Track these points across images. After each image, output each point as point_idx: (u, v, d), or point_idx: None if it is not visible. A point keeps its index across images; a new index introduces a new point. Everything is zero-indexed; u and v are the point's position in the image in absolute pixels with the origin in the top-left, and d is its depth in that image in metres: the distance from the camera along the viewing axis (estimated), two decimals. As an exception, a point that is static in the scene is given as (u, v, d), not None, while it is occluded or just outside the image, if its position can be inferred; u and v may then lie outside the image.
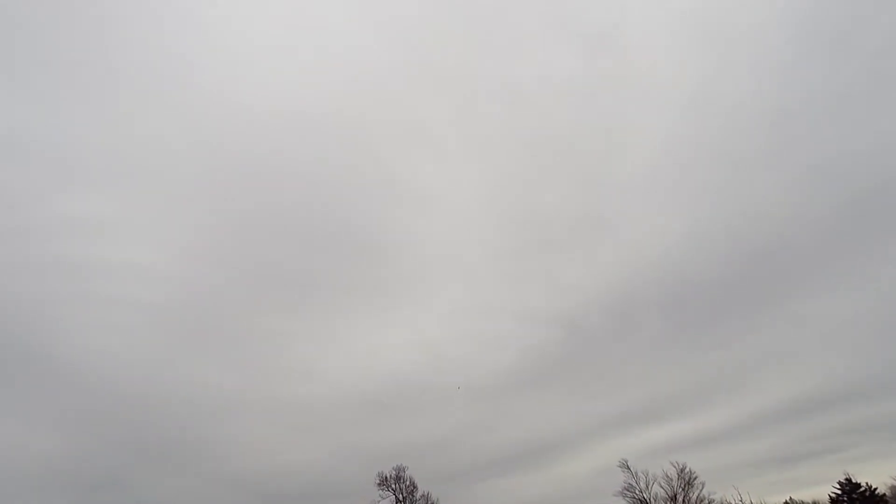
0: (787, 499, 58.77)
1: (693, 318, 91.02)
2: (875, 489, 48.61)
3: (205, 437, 78.37)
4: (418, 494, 50.68)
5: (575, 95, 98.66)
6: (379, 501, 50.15)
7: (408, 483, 50.89)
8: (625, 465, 52.43)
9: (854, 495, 48.77)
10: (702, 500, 48.97)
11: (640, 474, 51.70)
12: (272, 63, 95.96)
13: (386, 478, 51.41)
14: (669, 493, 50.02)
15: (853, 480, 49.45)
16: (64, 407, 72.90)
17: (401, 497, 50.30)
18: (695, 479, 49.97)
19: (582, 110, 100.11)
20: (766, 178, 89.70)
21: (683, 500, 49.39)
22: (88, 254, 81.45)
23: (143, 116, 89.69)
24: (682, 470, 50.49)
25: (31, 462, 66.70)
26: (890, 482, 51.08)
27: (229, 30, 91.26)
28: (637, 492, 51.12)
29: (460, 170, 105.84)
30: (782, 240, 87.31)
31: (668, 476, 50.70)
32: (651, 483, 51.04)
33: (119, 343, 79.43)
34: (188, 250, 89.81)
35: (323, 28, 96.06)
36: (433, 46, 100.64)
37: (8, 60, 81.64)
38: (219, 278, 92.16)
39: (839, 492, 49.91)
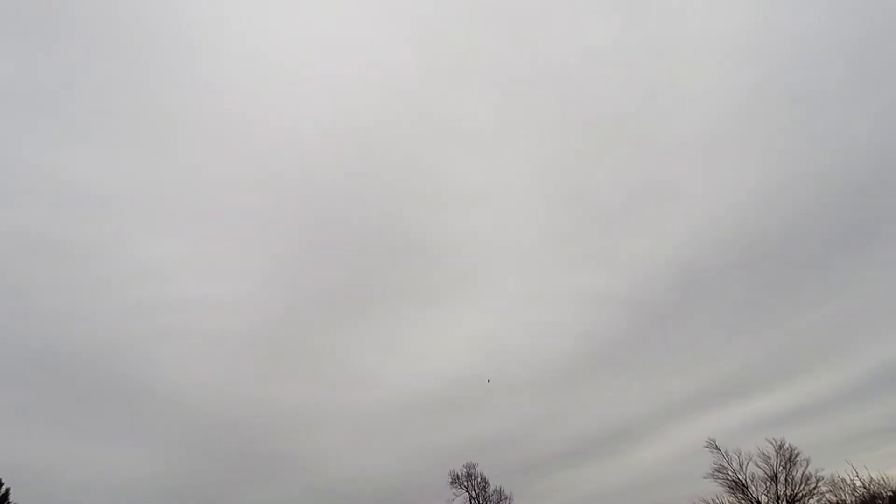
0: (917, 470, 51.25)
1: (777, 277, 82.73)
2: None
3: (287, 451, 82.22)
4: (490, 490, 49.72)
5: (616, 64, 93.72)
6: (453, 500, 49.80)
7: (479, 480, 50.14)
8: (713, 446, 47.94)
9: None
10: (808, 479, 43.65)
11: (731, 455, 47.12)
12: (311, 86, 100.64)
13: (457, 476, 51.00)
14: (768, 472, 45.06)
15: None
16: (167, 432, 79.09)
17: (473, 494, 49.55)
18: (797, 455, 44.64)
19: (625, 78, 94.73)
20: (846, 115, 79.84)
21: (786, 480, 44.35)
22: (171, 293, 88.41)
23: (202, 159, 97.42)
24: (781, 447, 45.26)
25: (144, 481, 72.53)
26: None
27: (267, 61, 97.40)
28: (730, 473, 46.59)
29: (500, 159, 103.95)
30: (876, 176, 76.92)
31: (764, 454, 45.72)
32: (746, 463, 46.33)
33: (206, 371, 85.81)
34: (257, 279, 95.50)
35: (351, 42, 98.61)
36: (463, 40, 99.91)
37: (78, 118, 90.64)
38: (287, 302, 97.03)
39: (983, 458, 42.63)
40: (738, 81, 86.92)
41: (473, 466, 51.16)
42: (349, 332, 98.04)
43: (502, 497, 49.19)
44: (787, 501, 43.57)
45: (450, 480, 50.63)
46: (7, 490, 28.28)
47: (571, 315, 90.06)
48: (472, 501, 49.21)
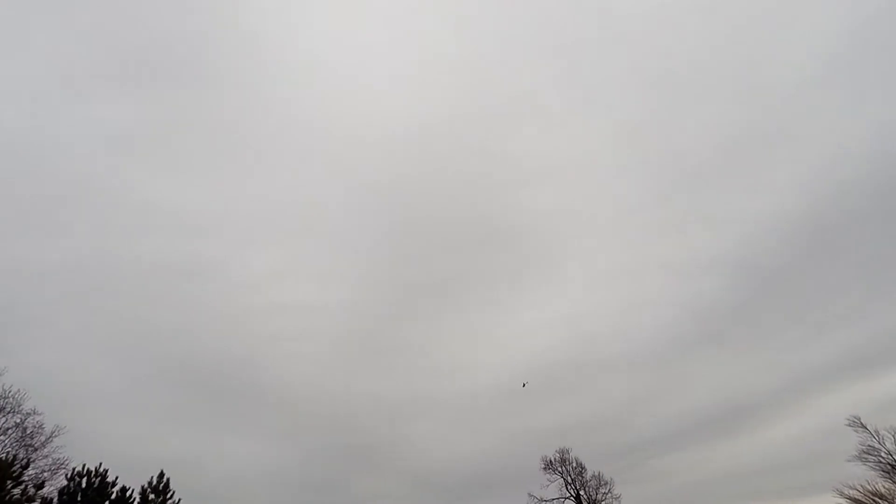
0: None
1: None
2: None
3: (390, 440, 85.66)
4: (588, 475, 46.77)
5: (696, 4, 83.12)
6: (547, 486, 47.76)
7: (574, 465, 47.40)
8: (857, 423, 40.20)
9: None
10: None
11: (883, 433, 39.16)
12: (377, 87, 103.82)
13: (550, 461, 48.70)
14: (936, 453, 36.79)
15: None
16: (280, 426, 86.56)
17: (569, 479, 47.01)
18: (976, 432, 35.87)
19: (708, 18, 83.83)
20: None
21: (963, 462, 35.80)
22: (275, 301, 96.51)
23: (286, 176, 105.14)
24: (953, 421, 36.72)
25: (265, 470, 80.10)
26: None
27: (328, 69, 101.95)
28: (883, 455, 38.75)
29: (571, 129, 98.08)
30: None
31: (927, 433, 37.39)
32: (903, 442, 38.23)
33: (310, 370, 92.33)
34: (349, 280, 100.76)
35: (405, 38, 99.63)
36: (517, 10, 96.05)
37: (180, 156, 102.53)
38: (377, 299, 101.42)
39: None
40: (860, 2, 72.21)
41: (567, 451, 48.58)
42: (438, 323, 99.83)
43: (601, 482, 46.07)
44: (968, 488, 35.19)
45: (543, 466, 48.63)
46: (167, 479, 33.00)
47: (668, 285, 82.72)
48: (569, 487, 46.76)
